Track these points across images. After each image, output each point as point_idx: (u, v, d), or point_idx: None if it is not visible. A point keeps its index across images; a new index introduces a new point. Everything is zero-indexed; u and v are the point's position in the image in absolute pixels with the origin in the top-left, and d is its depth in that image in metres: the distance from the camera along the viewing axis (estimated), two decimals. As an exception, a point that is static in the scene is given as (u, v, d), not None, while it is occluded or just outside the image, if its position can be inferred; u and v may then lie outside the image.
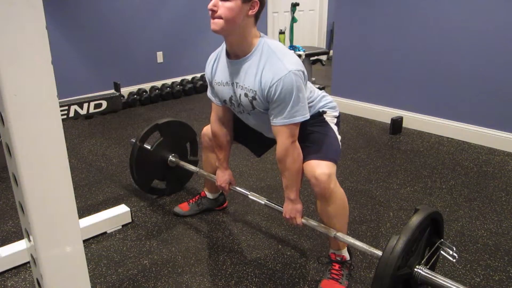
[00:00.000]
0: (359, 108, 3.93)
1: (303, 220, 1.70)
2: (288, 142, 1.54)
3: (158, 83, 4.71)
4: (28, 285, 1.77)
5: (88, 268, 1.34)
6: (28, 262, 1.87)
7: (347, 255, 1.76)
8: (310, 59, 4.54)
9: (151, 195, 2.46)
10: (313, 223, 1.70)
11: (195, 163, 2.41)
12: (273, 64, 1.47)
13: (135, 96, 4.40)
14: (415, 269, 1.35)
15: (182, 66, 4.93)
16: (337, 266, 1.74)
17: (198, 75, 5.01)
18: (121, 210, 2.19)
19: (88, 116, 3.04)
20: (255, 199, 1.90)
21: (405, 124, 3.55)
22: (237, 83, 1.58)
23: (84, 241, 1.97)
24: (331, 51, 4.68)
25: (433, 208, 1.41)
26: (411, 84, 3.52)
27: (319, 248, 1.99)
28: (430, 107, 3.45)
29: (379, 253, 1.43)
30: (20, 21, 0.95)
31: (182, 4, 4.78)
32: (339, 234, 1.62)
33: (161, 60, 4.75)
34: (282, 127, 1.52)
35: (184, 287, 1.75)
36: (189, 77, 4.95)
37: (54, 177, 1.10)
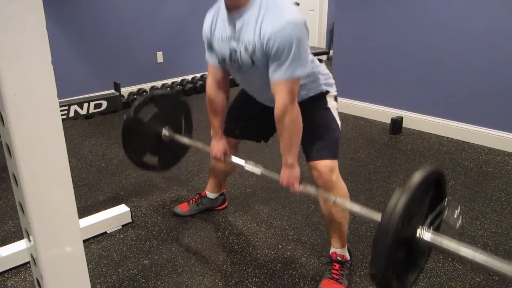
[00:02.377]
0: (359, 108, 3.93)
1: (301, 187, 1.60)
2: (287, 99, 1.45)
3: (158, 83, 4.70)
4: (28, 285, 1.77)
5: (88, 268, 1.34)
6: (28, 262, 1.87)
7: (347, 255, 1.76)
8: (310, 59, 4.53)
9: (143, 170, 2.32)
10: (311, 189, 1.60)
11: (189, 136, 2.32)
12: (272, 14, 1.39)
13: (135, 96, 4.39)
14: (418, 231, 1.24)
15: (182, 66, 4.93)
16: (337, 266, 1.74)
17: (198, 75, 5.01)
18: (121, 210, 2.19)
19: (88, 116, 3.04)
20: (251, 168, 1.78)
21: (405, 124, 3.55)
22: (237, 36, 1.51)
23: (84, 241, 1.97)
24: (331, 51, 4.67)
25: (436, 166, 1.31)
26: (411, 84, 3.52)
27: (319, 248, 1.99)
28: (430, 107, 3.45)
29: (379, 216, 1.30)
30: (20, 21, 0.95)
31: (182, 4, 4.78)
32: (338, 199, 1.52)
33: (161, 60, 4.75)
34: (281, 83, 1.43)
35: (184, 287, 1.75)
36: (189, 77, 4.95)
37: (54, 177, 1.10)
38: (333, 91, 1.73)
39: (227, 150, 1.86)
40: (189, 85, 4.78)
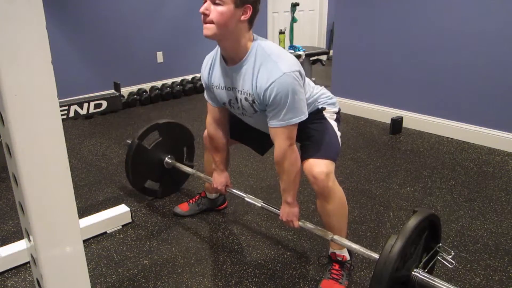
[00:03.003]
0: (359, 108, 3.93)
1: (300, 223, 1.71)
2: (285, 145, 1.53)
3: (158, 83, 4.71)
4: (28, 285, 1.77)
5: (88, 268, 1.34)
6: (28, 262, 1.87)
7: (347, 255, 1.76)
8: (310, 59, 4.54)
9: (145, 196, 2.45)
10: (309, 225, 1.70)
11: (190, 163, 2.42)
12: (267, 67, 1.46)
13: (135, 96, 4.40)
14: (413, 272, 1.33)
15: (182, 66, 4.93)
16: (337, 266, 1.74)
17: (198, 75, 5.01)
18: (121, 210, 2.19)
19: (88, 116, 3.04)
20: (252, 201, 1.90)
21: (405, 124, 3.55)
22: (236, 88, 1.58)
23: (84, 241, 1.97)
24: (331, 51, 4.67)
25: (431, 211, 1.40)
26: (411, 84, 3.52)
27: (319, 248, 1.99)
28: (430, 107, 3.45)
29: (376, 256, 1.43)
30: (20, 21, 0.95)
31: (182, 4, 4.78)
32: (336, 237, 1.62)
33: (161, 60, 4.75)
34: (279, 129, 1.51)
35: (184, 287, 1.75)
36: (189, 77, 4.95)
37: (54, 177, 1.10)
38: (332, 108, 1.77)
39: (229, 183, 1.97)
40: (189, 85, 4.79)
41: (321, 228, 1.69)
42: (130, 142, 2.24)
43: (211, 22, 1.42)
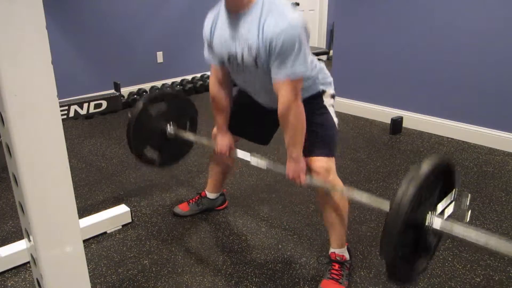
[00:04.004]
0: (359, 108, 3.93)
1: (307, 180, 1.61)
2: (290, 97, 1.47)
3: (158, 83, 4.70)
4: (28, 285, 1.77)
5: (88, 268, 1.34)
6: (28, 262, 1.87)
7: (346, 255, 1.76)
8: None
9: (141, 163, 2.27)
10: (317, 181, 1.61)
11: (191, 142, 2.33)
12: (275, 16, 1.42)
13: (135, 96, 4.39)
14: (428, 218, 1.23)
15: (182, 66, 4.92)
16: (337, 266, 1.74)
17: (198, 75, 5.01)
18: (121, 210, 2.19)
19: (88, 116, 3.04)
20: (257, 162, 1.78)
21: (405, 124, 3.55)
22: (238, 39, 1.52)
23: (84, 241, 1.97)
24: (331, 51, 4.67)
25: (447, 157, 1.31)
26: (411, 84, 3.52)
27: (319, 248, 1.99)
28: (430, 107, 3.45)
29: (387, 203, 1.32)
30: (20, 21, 0.95)
31: (182, 4, 4.77)
32: (345, 189, 1.54)
33: (161, 60, 4.75)
34: (284, 82, 1.46)
35: (184, 287, 1.75)
36: (189, 77, 4.95)
37: (54, 177, 1.10)
38: (330, 89, 1.74)
39: (232, 145, 1.87)
40: (189, 85, 4.78)
41: (329, 184, 1.62)
42: (130, 113, 2.19)
43: None
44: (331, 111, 1.72)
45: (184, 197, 2.47)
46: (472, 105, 3.21)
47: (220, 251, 1.98)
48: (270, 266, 1.87)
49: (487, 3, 2.96)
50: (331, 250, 1.77)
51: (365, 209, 2.31)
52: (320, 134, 1.66)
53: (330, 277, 1.71)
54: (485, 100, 3.13)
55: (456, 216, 1.31)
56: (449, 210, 1.33)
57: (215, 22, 1.62)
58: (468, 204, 1.31)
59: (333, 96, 1.75)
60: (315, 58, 1.70)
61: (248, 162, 1.80)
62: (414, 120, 3.54)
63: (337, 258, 1.75)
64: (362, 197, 1.47)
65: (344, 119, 3.82)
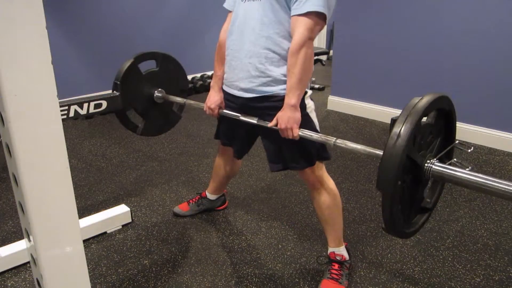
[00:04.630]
0: (359, 108, 3.93)
1: (300, 132, 1.51)
2: (306, 35, 1.43)
3: (158, 83, 4.70)
4: (28, 285, 1.77)
5: (88, 268, 1.34)
6: (28, 262, 1.87)
7: (346, 255, 1.76)
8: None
9: (124, 127, 2.24)
10: (308, 133, 1.51)
11: (179, 113, 2.27)
12: None
13: (135, 96, 4.39)
14: (427, 162, 1.18)
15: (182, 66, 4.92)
16: (336, 266, 1.74)
17: (198, 75, 5.01)
18: (121, 210, 2.19)
19: (88, 116, 3.03)
20: (247, 119, 1.67)
21: (405, 124, 3.54)
22: None
23: (84, 241, 1.97)
24: (331, 51, 4.67)
25: (445, 93, 1.25)
26: (411, 84, 3.52)
27: (319, 248, 1.99)
28: (430, 107, 3.44)
29: (381, 152, 1.26)
30: (20, 21, 0.95)
31: (182, 4, 4.78)
32: (339, 141, 1.45)
33: (161, 60, 4.74)
34: (303, 18, 1.43)
35: (184, 287, 1.75)
36: (189, 77, 4.95)
37: (54, 177, 1.10)
38: (309, 90, 1.65)
39: (222, 104, 1.79)
40: (189, 85, 4.78)
41: (322, 135, 1.51)
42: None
43: None
44: (313, 116, 1.64)
45: (184, 197, 2.47)
46: (472, 105, 3.21)
47: (220, 251, 1.98)
48: (270, 266, 1.87)
49: (487, 3, 2.95)
50: (330, 249, 1.77)
51: (365, 209, 2.31)
52: (302, 145, 1.58)
53: (330, 277, 1.71)
54: (485, 100, 3.13)
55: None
56: (449, 159, 1.27)
57: None
58: (470, 151, 1.26)
59: (310, 97, 1.66)
60: None
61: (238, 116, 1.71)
62: (414, 120, 3.53)
63: (337, 258, 1.75)
64: (356, 146, 1.42)
65: (344, 119, 3.82)
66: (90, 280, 1.29)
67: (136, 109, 2.18)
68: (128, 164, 2.94)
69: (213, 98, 1.79)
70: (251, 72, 1.56)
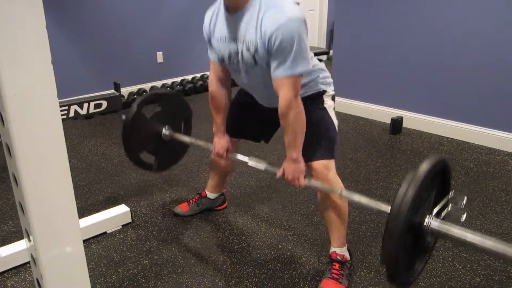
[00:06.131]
0: (359, 108, 3.93)
1: (306, 181, 1.59)
2: (291, 95, 1.45)
3: (158, 83, 4.70)
4: (28, 285, 1.77)
5: (88, 268, 1.34)
6: (28, 262, 1.87)
7: (347, 255, 1.76)
8: (310, 59, 4.54)
9: (139, 168, 2.26)
10: (315, 183, 1.61)
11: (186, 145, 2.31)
12: (272, 13, 1.41)
13: (135, 96, 4.39)
14: (426, 220, 1.25)
15: (182, 66, 4.93)
16: (337, 266, 1.74)
17: (198, 75, 5.01)
18: (121, 210, 2.19)
19: (88, 116, 3.04)
20: (255, 164, 1.76)
21: (405, 124, 3.55)
22: (238, 37, 1.52)
23: (84, 241, 1.97)
24: (331, 51, 4.67)
25: (443, 156, 1.34)
26: (411, 84, 3.52)
27: (319, 248, 1.99)
28: (430, 107, 3.45)
29: (387, 206, 1.34)
30: (20, 21, 0.95)
31: (182, 4, 4.78)
32: (345, 192, 1.53)
33: (161, 60, 4.75)
34: (284, 79, 1.44)
35: (184, 287, 1.75)
36: (189, 77, 4.95)
37: (54, 177, 1.10)
38: (330, 90, 1.73)
39: (230, 147, 1.85)
40: (189, 85, 4.78)
41: (327, 186, 1.61)
42: (125, 117, 2.18)
43: None
44: (331, 113, 1.71)
45: (184, 197, 2.47)
46: (472, 105, 3.21)
47: (220, 251, 1.98)
48: (270, 266, 1.87)
49: (487, 4, 2.95)
50: (332, 249, 1.76)
51: (365, 209, 2.31)
52: (320, 137, 1.65)
53: (331, 276, 1.71)
54: (485, 100, 3.13)
55: (453, 218, 1.32)
56: (445, 211, 1.34)
57: (215, 19, 1.61)
58: (464, 204, 1.33)
59: (333, 98, 1.75)
60: (315, 57, 1.68)
61: (246, 163, 1.79)
62: (414, 120, 3.54)
63: (338, 257, 1.74)
64: (361, 199, 1.47)
65: (344, 119, 3.82)
66: (90, 280, 1.29)
67: (147, 150, 2.26)
68: (128, 164, 2.93)
69: (219, 144, 1.84)
70: (272, 100, 1.57)
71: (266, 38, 1.41)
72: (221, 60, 1.66)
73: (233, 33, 1.53)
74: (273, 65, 1.45)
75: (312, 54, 1.63)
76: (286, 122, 1.51)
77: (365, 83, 3.86)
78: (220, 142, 1.84)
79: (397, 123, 3.46)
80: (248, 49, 1.49)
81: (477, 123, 3.21)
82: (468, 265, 1.85)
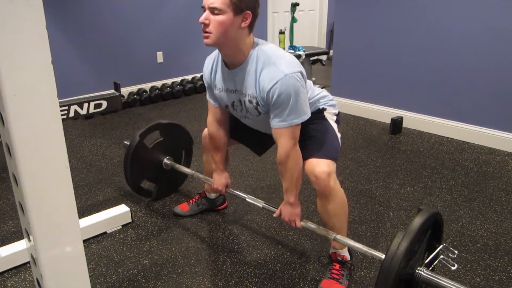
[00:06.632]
0: (359, 108, 3.93)
1: (302, 223, 1.70)
2: (289, 144, 1.53)
3: (158, 83, 4.70)
4: (28, 285, 1.77)
5: (88, 268, 1.34)
6: (28, 262, 1.87)
7: (347, 255, 1.76)
8: (310, 59, 4.54)
9: (140, 196, 2.41)
10: (312, 225, 1.69)
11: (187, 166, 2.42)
12: (269, 69, 1.47)
13: (135, 96, 4.40)
14: (417, 271, 1.35)
15: (182, 66, 4.93)
16: (337, 266, 1.74)
17: (198, 75, 5.01)
18: (121, 210, 2.19)
19: (88, 116, 3.04)
20: (253, 202, 1.89)
21: (405, 124, 3.55)
22: (240, 90, 1.59)
23: (84, 241, 1.97)
24: (331, 51, 4.68)
25: (436, 209, 1.41)
26: (411, 84, 3.52)
27: (319, 248, 1.99)
28: (430, 107, 3.45)
29: (381, 255, 1.44)
30: (20, 21, 0.95)
31: (182, 4, 4.78)
32: (339, 237, 1.62)
33: (161, 60, 4.75)
34: (282, 130, 1.52)
35: (184, 287, 1.75)
36: (189, 77, 4.95)
37: (54, 177, 1.10)
38: (332, 109, 1.79)
39: (229, 183, 1.96)
40: (189, 85, 4.79)
41: (323, 228, 1.69)
42: (128, 143, 2.24)
43: (211, 32, 1.43)
44: (333, 124, 1.76)
45: (184, 197, 2.47)
46: (472, 105, 3.21)
47: (220, 251, 1.98)
48: (270, 266, 1.87)
49: (487, 4, 2.95)
50: (332, 250, 1.76)
51: (365, 209, 2.31)
52: (320, 138, 1.67)
53: (331, 276, 1.71)
54: (485, 100, 3.13)
55: (444, 267, 1.44)
56: (436, 262, 1.44)
57: (215, 70, 1.67)
58: (454, 257, 1.42)
59: (336, 116, 1.80)
60: (316, 87, 1.78)
61: (244, 198, 1.92)
62: (414, 120, 3.54)
63: (338, 258, 1.75)
64: (356, 245, 1.57)
65: (344, 119, 3.82)
66: (90, 280, 1.29)
67: (148, 178, 2.35)
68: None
69: (219, 181, 1.94)
70: None
71: (265, 94, 1.49)
72: (225, 106, 1.73)
73: (234, 87, 1.60)
74: (272, 115, 1.53)
75: (313, 85, 1.75)
76: (285, 169, 1.59)
77: (365, 83, 3.86)
78: (220, 179, 1.94)
79: (397, 123, 3.46)
80: (250, 101, 1.57)
81: (477, 123, 3.21)
82: (468, 265, 1.85)
